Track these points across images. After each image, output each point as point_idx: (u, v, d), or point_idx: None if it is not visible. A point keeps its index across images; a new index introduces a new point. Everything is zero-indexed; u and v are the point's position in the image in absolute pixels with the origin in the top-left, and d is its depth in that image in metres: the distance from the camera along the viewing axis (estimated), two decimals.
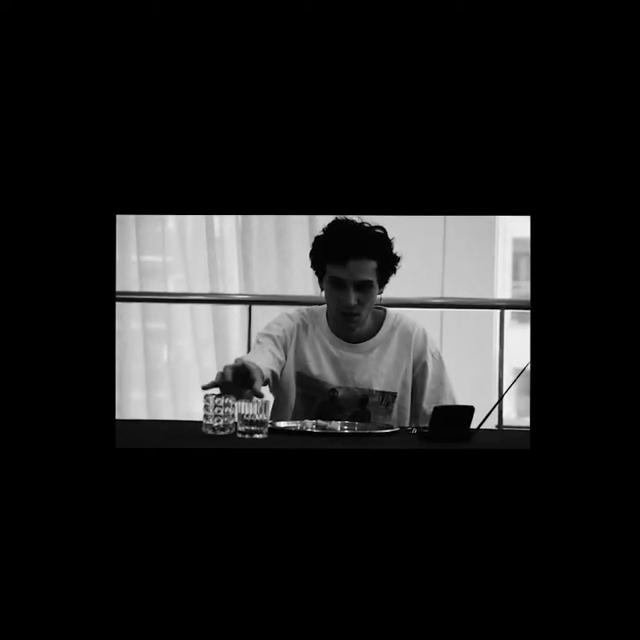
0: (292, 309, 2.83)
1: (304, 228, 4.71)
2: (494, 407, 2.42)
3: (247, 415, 2.25)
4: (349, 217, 2.67)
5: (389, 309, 2.83)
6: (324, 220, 3.99)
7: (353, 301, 2.62)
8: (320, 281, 2.73)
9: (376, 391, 2.72)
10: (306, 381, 2.74)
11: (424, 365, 2.75)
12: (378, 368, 2.73)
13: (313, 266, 2.72)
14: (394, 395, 2.73)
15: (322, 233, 2.70)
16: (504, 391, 2.79)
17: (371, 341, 2.75)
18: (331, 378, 2.73)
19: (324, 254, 2.66)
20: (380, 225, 2.66)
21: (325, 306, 2.79)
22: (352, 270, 2.60)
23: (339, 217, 2.68)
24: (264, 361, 2.61)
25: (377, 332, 2.76)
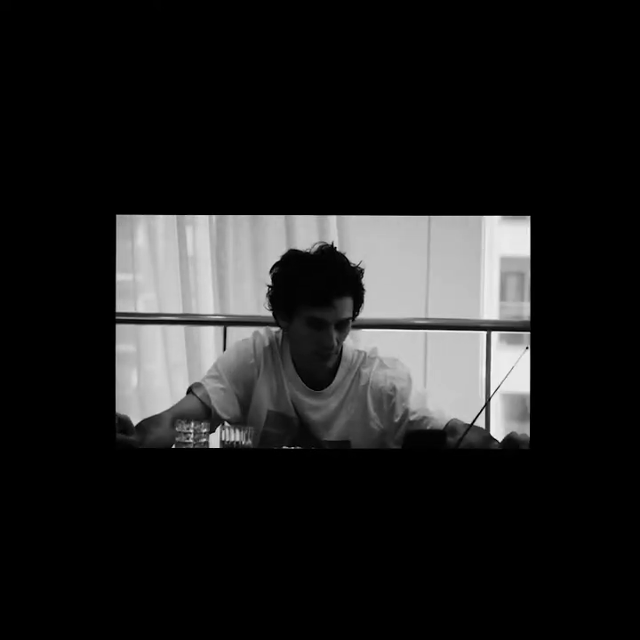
0: (262, 330, 2.69)
1: (282, 244, 4.52)
2: (477, 417, 2.34)
3: (231, 443, 2.19)
4: (300, 249, 2.58)
5: (345, 345, 2.66)
6: (303, 238, 4.09)
7: (334, 342, 2.53)
8: (284, 321, 2.58)
9: (328, 442, 2.59)
10: (272, 418, 2.63)
11: (390, 399, 2.60)
12: (337, 416, 2.62)
13: (278, 308, 2.57)
14: (348, 443, 2.60)
15: (282, 269, 2.56)
16: (491, 393, 2.73)
17: (328, 389, 2.64)
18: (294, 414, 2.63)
19: (301, 295, 2.52)
20: (340, 252, 2.57)
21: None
22: (337, 310, 2.51)
23: (298, 251, 2.59)
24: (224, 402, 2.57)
25: (335, 374, 2.65)
